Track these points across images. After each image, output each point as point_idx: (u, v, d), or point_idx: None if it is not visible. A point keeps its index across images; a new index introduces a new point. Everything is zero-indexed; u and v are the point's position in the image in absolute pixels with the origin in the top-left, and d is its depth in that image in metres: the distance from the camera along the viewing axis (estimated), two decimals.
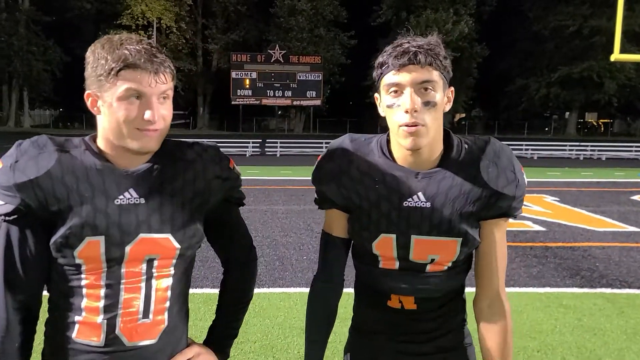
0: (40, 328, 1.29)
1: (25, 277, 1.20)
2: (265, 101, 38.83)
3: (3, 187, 1.15)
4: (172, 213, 1.24)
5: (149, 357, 1.26)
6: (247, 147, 24.72)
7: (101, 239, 1.17)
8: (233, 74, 38.10)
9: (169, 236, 1.23)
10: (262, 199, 10.45)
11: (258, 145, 25.35)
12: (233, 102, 38.55)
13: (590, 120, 51.46)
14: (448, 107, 1.33)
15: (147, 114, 1.16)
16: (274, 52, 38.35)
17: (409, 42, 1.27)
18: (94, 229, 1.17)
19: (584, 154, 24.69)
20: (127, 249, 1.20)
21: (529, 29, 41.31)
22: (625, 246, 6.83)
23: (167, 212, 1.23)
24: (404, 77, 1.25)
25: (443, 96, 1.29)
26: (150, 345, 1.25)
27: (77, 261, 1.18)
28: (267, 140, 26.13)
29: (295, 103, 39.82)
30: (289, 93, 38.66)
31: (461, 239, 1.32)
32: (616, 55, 12.22)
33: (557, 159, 23.03)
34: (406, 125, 1.25)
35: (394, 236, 1.34)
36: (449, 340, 1.44)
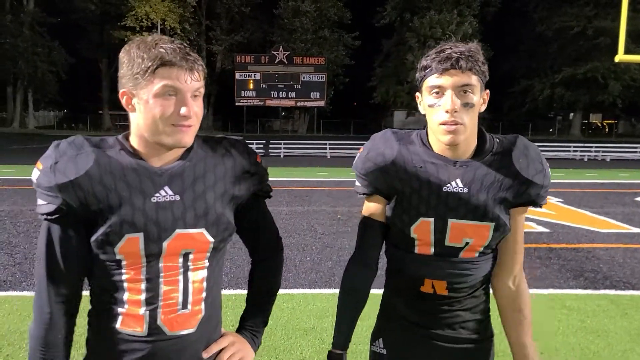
0: (80, 319, 1.34)
1: (67, 272, 1.25)
2: (269, 102, 38.93)
3: (44, 187, 1.19)
4: (205, 208, 1.29)
5: (188, 345, 1.32)
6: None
7: (140, 236, 1.22)
8: (237, 75, 38.22)
9: (204, 231, 1.29)
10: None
11: (262, 146, 25.36)
12: (237, 103, 38.67)
13: (594, 121, 51.33)
14: (483, 108, 1.44)
15: (183, 110, 1.21)
16: (278, 54, 38.43)
17: (451, 48, 1.38)
18: (133, 226, 1.22)
19: (588, 155, 24.55)
20: (165, 244, 1.25)
21: (532, 29, 41.27)
22: (629, 247, 6.80)
23: (201, 207, 1.28)
24: (446, 80, 1.36)
25: (479, 98, 1.41)
26: (190, 334, 1.31)
27: (118, 257, 1.23)
28: (271, 142, 26.14)
29: (299, 104, 39.90)
30: (293, 94, 38.75)
31: (494, 223, 1.42)
32: (620, 56, 12.17)
33: (562, 160, 22.91)
34: (446, 124, 1.37)
35: (432, 219, 1.44)
36: (478, 331, 1.54)
